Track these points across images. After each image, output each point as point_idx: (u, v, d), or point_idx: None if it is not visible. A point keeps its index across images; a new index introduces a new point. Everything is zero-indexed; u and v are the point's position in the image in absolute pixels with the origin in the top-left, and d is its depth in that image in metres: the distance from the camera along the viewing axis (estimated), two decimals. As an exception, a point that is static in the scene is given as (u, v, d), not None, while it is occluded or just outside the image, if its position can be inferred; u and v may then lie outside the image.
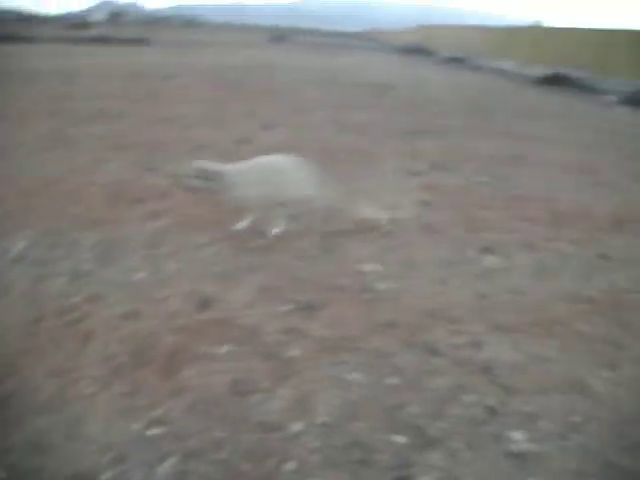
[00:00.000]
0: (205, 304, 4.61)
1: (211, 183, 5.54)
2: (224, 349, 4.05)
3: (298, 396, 3.63)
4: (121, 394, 3.60)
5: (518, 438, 3.34)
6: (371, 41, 53.59)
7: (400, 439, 3.30)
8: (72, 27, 66.82)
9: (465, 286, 5.26)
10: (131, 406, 3.50)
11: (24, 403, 3.52)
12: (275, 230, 6.01)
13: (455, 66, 35.32)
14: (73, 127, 11.14)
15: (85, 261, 5.36)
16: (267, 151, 9.06)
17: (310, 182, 5.84)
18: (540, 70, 27.21)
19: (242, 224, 6.07)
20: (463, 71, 32.25)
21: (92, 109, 13.15)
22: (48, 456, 3.12)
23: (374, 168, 8.81)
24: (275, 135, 10.74)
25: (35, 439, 3.23)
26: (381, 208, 6.97)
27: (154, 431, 3.31)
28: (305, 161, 5.96)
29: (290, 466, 3.08)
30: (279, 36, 61.13)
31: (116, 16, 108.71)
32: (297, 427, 3.38)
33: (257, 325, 4.37)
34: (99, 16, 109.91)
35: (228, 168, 5.63)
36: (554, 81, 24.92)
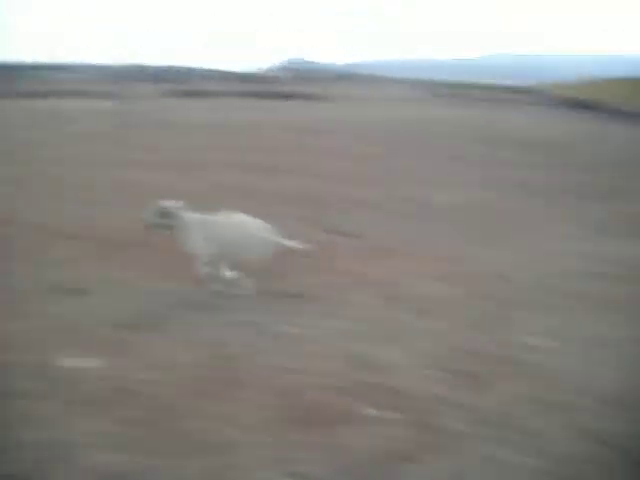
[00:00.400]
0: (358, 363, 4.71)
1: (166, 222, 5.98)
2: (371, 412, 4.08)
3: (454, 472, 3.51)
4: (267, 445, 3.72)
5: None
6: (539, 95, 51.39)
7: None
8: (261, 83, 71.06)
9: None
10: (277, 459, 3.60)
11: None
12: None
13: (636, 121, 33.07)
14: (255, 179, 11.84)
15: (240, 311, 5.67)
16: (436, 210, 9.09)
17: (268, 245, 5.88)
18: None
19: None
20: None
21: (269, 163, 13.83)
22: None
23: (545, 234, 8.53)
24: (441, 194, 10.76)
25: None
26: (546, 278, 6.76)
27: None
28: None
29: None
30: (444, 92, 60.56)
31: (301, 72, 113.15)
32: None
33: (411, 391, 4.36)
34: (286, 73, 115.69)
35: (189, 215, 5.97)
36: None
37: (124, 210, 9.23)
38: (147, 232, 6.34)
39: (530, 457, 3.63)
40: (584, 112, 38.64)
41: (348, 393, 4.26)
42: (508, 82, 74.20)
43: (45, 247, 7.48)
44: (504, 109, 34.75)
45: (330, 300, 5.94)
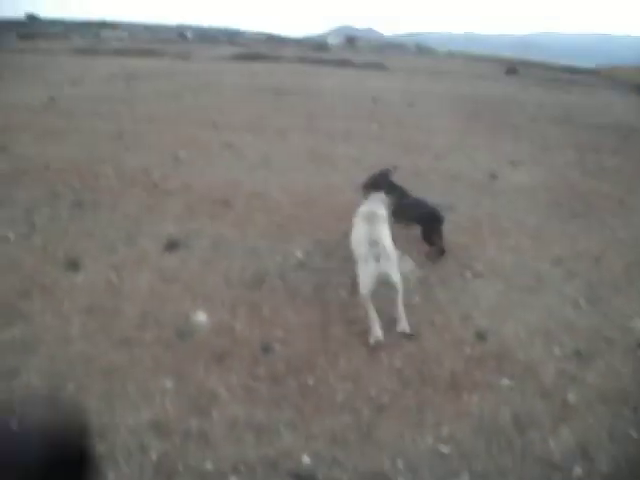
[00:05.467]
0: (482, 335, 4.77)
1: None
2: (504, 382, 4.19)
3: (578, 441, 3.67)
4: (410, 408, 3.87)
5: None
6: (607, 79, 50.06)
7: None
8: (312, 49, 70.97)
9: None
10: (420, 421, 3.76)
11: (321, 399, 3.90)
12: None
13: None
14: (328, 146, 11.91)
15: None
16: (517, 189, 9.14)
17: None
18: None
19: None
20: None
21: (342, 129, 13.88)
22: (343, 451, 3.46)
23: (629, 218, 8.42)
24: (522, 173, 10.63)
25: (333, 435, 3.59)
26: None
27: (443, 448, 3.52)
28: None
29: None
30: (512, 69, 59.64)
31: (352, 40, 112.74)
32: (578, 471, 3.43)
33: (533, 363, 4.46)
34: (337, 40, 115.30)
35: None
36: None
37: (227, 170, 9.58)
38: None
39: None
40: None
41: (481, 363, 4.41)
42: (563, 62, 72.69)
43: (160, 203, 7.76)
44: (577, 91, 33.89)
45: (440, 270, 6.06)
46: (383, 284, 4.74)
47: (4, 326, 4.59)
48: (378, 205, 5.84)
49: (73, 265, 5.64)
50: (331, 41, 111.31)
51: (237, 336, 4.60)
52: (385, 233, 5.25)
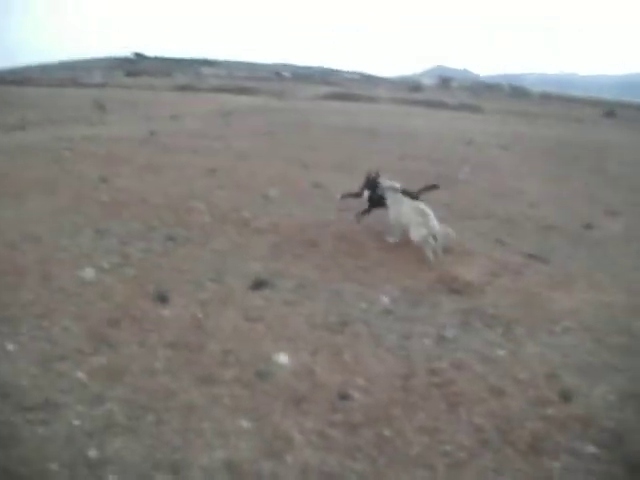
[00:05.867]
0: (568, 396, 4.54)
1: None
2: (589, 449, 3.95)
3: None
4: (487, 468, 3.72)
5: None
6: None
7: None
8: (406, 89, 71.44)
9: None
10: None
11: (397, 452, 3.80)
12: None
13: None
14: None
15: (447, 326, 5.63)
16: (614, 240, 8.77)
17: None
18: None
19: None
20: None
21: (433, 172, 13.76)
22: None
23: None
24: (619, 223, 10.23)
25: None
26: None
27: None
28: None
29: None
30: (610, 112, 58.02)
31: (446, 81, 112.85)
32: None
33: (623, 432, 4.18)
34: (431, 80, 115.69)
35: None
36: None
37: (315, 210, 9.76)
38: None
39: None
40: None
41: (565, 426, 4.17)
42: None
43: (249, 241, 7.91)
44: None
45: (527, 323, 5.86)
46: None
47: (92, 353, 4.76)
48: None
49: (162, 298, 5.79)
50: (425, 82, 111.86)
51: (317, 380, 4.57)
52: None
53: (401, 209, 8.00)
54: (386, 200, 8.37)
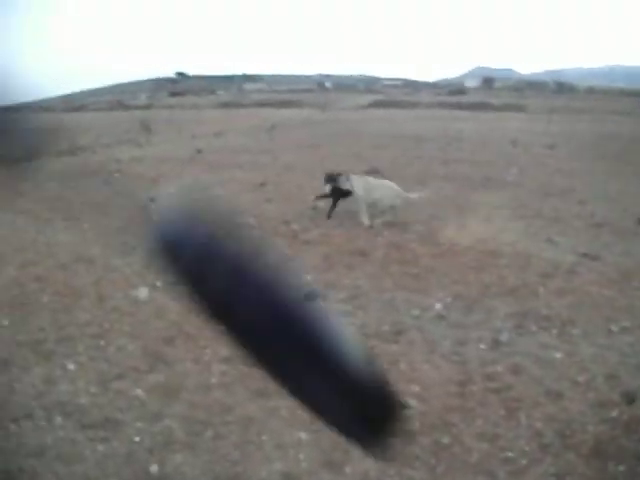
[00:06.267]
0: (630, 397, 4.43)
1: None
2: None
3: None
4: (549, 474, 3.65)
5: None
6: None
7: None
8: (449, 93, 71.03)
9: None
10: None
11: (455, 459, 3.74)
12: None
13: None
14: (468, 193, 11.77)
15: (502, 330, 5.56)
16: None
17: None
18: None
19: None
20: None
21: (481, 175, 13.72)
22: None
23: None
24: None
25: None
26: None
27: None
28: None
29: None
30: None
31: (489, 82, 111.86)
32: None
33: None
34: (473, 82, 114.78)
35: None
36: None
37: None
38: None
39: None
40: None
41: (629, 429, 4.07)
42: None
43: (299, 253, 7.94)
44: None
45: (583, 323, 5.75)
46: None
47: (149, 371, 4.86)
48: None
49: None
50: (468, 84, 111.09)
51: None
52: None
53: (370, 186, 9.68)
54: (351, 188, 9.80)
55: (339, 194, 10.00)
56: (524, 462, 3.72)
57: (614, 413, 4.23)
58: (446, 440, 3.93)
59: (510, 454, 3.80)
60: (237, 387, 4.60)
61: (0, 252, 7.98)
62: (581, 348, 5.22)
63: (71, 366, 4.91)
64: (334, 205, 10.05)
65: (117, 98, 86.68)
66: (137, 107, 58.31)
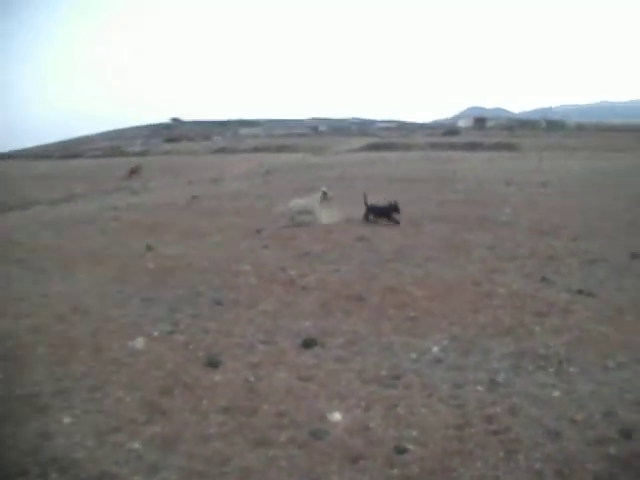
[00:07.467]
0: (628, 433, 4.43)
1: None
2: None
3: None
4: None
5: None
6: None
7: None
8: (443, 134, 71.87)
9: None
10: None
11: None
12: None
13: None
14: (462, 233, 11.86)
15: (499, 371, 5.57)
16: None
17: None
18: None
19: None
20: None
21: (476, 215, 13.85)
22: None
23: None
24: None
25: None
26: None
27: None
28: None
29: None
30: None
31: (481, 121, 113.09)
32: None
33: None
34: (466, 122, 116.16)
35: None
36: None
37: (360, 264, 9.76)
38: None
39: None
40: None
41: (628, 465, 4.06)
42: None
43: (297, 299, 7.96)
44: None
45: (580, 361, 5.75)
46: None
47: (146, 423, 4.83)
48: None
49: (213, 363, 5.85)
50: (461, 124, 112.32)
51: (371, 436, 4.56)
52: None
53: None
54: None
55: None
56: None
57: (612, 450, 4.22)
58: (446, 484, 3.90)
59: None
60: (236, 437, 4.58)
61: (-5, 303, 7.97)
62: (578, 385, 5.22)
63: (67, 419, 4.89)
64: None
65: (113, 144, 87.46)
66: (133, 154, 58.73)
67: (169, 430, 4.67)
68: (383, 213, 13.22)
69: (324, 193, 13.93)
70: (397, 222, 12.87)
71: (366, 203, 13.48)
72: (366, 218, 13.43)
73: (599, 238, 11.12)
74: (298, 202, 14.30)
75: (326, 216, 13.78)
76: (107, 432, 4.68)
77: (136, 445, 4.48)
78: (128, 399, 5.21)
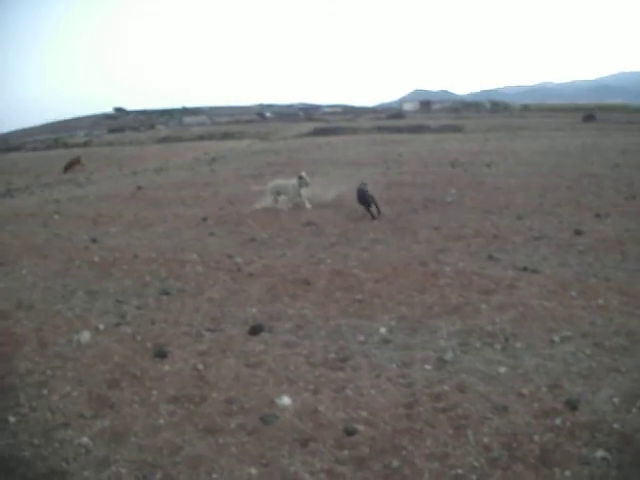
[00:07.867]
0: (573, 404, 4.52)
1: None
2: (599, 454, 3.93)
3: None
4: None
5: None
6: None
7: None
8: (389, 117, 72.23)
9: None
10: None
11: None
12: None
13: None
14: (409, 215, 12.03)
15: (447, 349, 5.63)
16: (604, 243, 8.78)
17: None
18: None
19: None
20: None
21: (422, 197, 13.99)
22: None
23: None
24: (608, 226, 10.27)
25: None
26: None
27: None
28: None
29: None
30: (589, 116, 58.67)
31: (427, 104, 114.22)
32: None
33: (631, 432, 4.16)
34: (412, 105, 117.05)
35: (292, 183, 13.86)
36: None
37: (306, 248, 9.84)
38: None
39: None
40: None
41: (573, 434, 4.17)
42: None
43: (244, 286, 7.94)
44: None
45: (526, 336, 5.87)
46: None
47: (94, 417, 4.76)
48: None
49: (161, 354, 5.78)
50: (406, 107, 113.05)
51: (321, 419, 4.57)
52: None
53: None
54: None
55: None
56: (474, 478, 3.76)
57: (558, 421, 4.31)
58: (396, 463, 3.95)
59: (460, 471, 3.83)
60: (186, 426, 4.54)
61: None
62: (525, 360, 5.31)
63: (12, 418, 4.77)
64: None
65: (55, 136, 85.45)
66: (76, 145, 57.46)
67: (118, 423, 4.60)
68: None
69: (301, 178, 13.61)
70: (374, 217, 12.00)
71: (367, 194, 12.17)
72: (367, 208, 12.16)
73: (543, 216, 11.34)
74: (278, 183, 14.27)
75: (307, 201, 13.77)
76: (55, 428, 4.59)
77: (85, 440, 4.40)
78: (75, 394, 5.10)
